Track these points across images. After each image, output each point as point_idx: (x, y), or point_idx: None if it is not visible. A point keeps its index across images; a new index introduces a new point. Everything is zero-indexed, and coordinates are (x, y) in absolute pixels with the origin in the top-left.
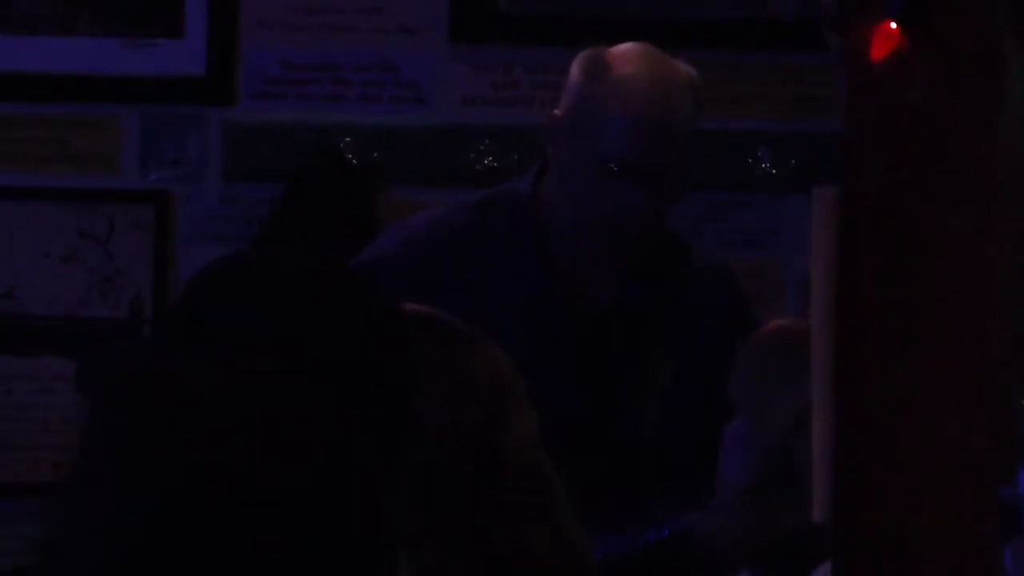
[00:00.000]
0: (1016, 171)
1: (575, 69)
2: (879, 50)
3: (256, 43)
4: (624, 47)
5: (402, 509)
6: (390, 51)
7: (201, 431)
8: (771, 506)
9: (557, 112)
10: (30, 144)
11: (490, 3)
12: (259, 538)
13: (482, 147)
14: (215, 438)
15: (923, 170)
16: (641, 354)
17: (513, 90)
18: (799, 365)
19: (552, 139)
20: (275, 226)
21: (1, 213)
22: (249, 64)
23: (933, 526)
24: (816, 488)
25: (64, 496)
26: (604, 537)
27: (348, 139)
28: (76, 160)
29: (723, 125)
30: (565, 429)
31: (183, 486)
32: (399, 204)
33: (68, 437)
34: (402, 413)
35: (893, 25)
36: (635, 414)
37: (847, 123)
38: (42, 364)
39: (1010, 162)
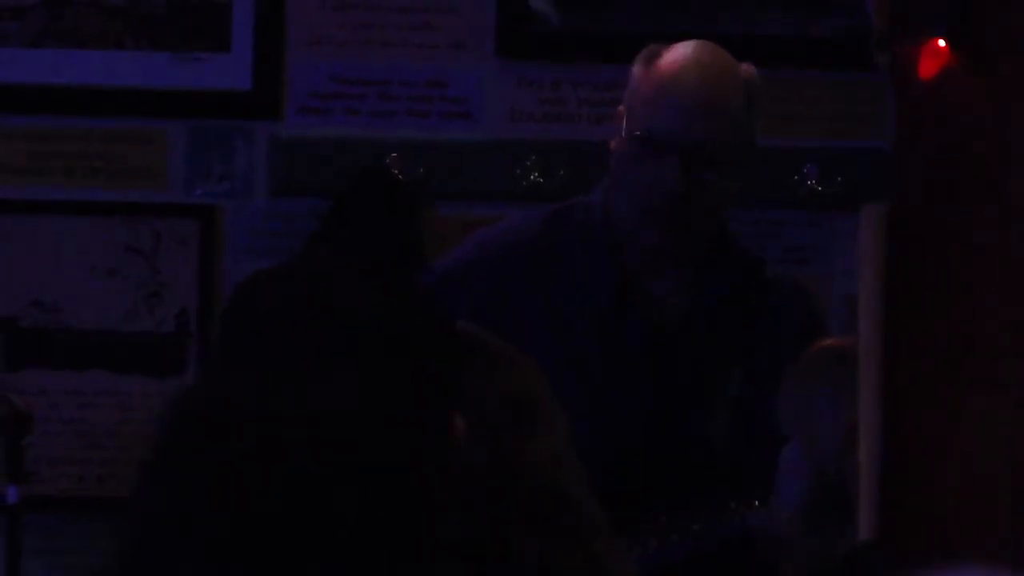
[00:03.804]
0: None
1: (635, 61)
2: (928, 68)
3: (303, 58)
4: (683, 41)
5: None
6: (438, 67)
7: (247, 456)
8: (825, 529)
9: (620, 108)
10: (77, 158)
11: (539, 19)
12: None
13: (528, 163)
14: (260, 462)
15: (972, 187)
16: (713, 363)
17: (560, 106)
18: (847, 384)
19: (616, 134)
20: (321, 241)
21: (48, 227)
22: (296, 79)
23: (983, 543)
24: (862, 507)
25: (129, 510)
26: (668, 541)
27: (395, 154)
28: (123, 174)
29: (770, 142)
30: (637, 437)
31: (232, 509)
32: (445, 220)
33: (113, 452)
34: (443, 428)
35: (941, 43)
36: (706, 423)
37: (896, 141)
38: (88, 378)
39: None
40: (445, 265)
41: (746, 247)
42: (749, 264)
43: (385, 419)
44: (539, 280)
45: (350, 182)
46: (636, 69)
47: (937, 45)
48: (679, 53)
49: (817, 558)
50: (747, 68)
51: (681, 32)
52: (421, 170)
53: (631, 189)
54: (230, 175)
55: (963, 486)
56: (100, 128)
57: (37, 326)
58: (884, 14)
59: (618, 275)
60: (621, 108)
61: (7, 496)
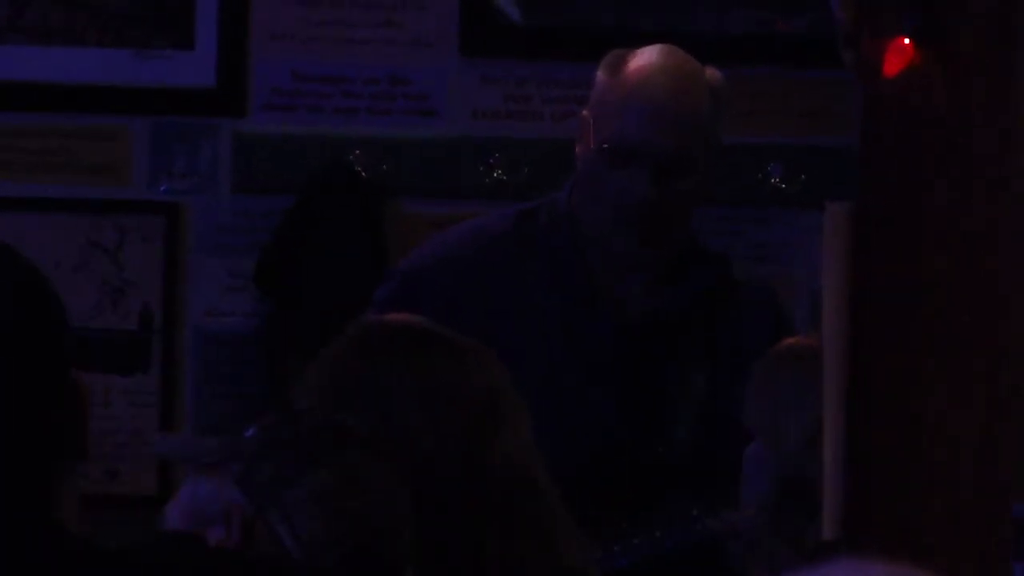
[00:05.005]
0: None
1: (599, 68)
2: (893, 65)
3: (267, 55)
4: (648, 47)
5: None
6: (401, 64)
7: None
8: (789, 527)
9: (584, 112)
10: (41, 154)
11: (502, 16)
12: None
13: (492, 160)
14: None
15: (937, 184)
16: (678, 365)
17: (524, 103)
18: (811, 383)
19: (579, 139)
20: (284, 238)
21: (12, 223)
22: (260, 76)
23: (945, 543)
24: (826, 506)
25: None
26: (631, 544)
27: (358, 151)
28: (87, 171)
29: (734, 139)
30: (601, 438)
31: None
32: (408, 217)
33: None
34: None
35: (907, 41)
36: (671, 424)
37: (861, 138)
38: None
39: None
40: (415, 261)
41: (713, 247)
42: (716, 264)
43: None
44: (508, 279)
45: (313, 179)
46: (601, 76)
47: (902, 43)
48: (645, 60)
49: (781, 556)
50: (712, 73)
51: (647, 29)
52: (385, 167)
53: (599, 197)
54: (194, 172)
55: (927, 483)
56: (64, 124)
57: None
58: (849, 11)
59: (584, 276)
60: (585, 113)
61: None
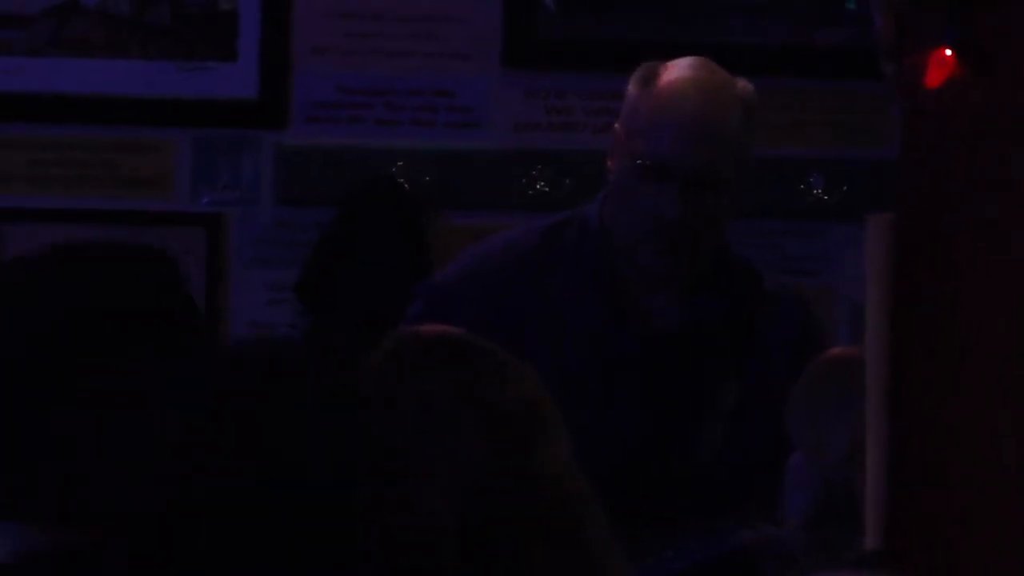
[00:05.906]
0: None
1: (631, 81)
2: (934, 77)
3: (310, 67)
4: (679, 59)
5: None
6: (444, 76)
7: None
8: (831, 539)
9: (616, 126)
10: (83, 167)
11: (544, 28)
12: None
13: (535, 172)
14: None
15: (978, 197)
16: (708, 378)
17: (566, 115)
18: (854, 394)
19: (611, 153)
20: (327, 250)
21: (54, 235)
22: (302, 88)
23: (986, 554)
24: (869, 515)
25: None
26: (663, 558)
27: (401, 163)
28: (129, 183)
29: (775, 152)
30: (629, 451)
31: None
32: (451, 229)
33: None
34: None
35: (948, 52)
36: (699, 438)
37: (901, 150)
38: None
39: None
40: (445, 277)
41: (744, 259)
42: (746, 277)
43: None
44: (537, 292)
45: (356, 191)
46: (632, 89)
47: (944, 54)
48: (676, 74)
49: (824, 568)
50: (743, 85)
51: (687, 41)
52: (427, 179)
53: (630, 212)
54: (236, 184)
55: (970, 494)
56: (106, 137)
57: None
58: (890, 23)
59: (614, 288)
60: (617, 126)
61: None
